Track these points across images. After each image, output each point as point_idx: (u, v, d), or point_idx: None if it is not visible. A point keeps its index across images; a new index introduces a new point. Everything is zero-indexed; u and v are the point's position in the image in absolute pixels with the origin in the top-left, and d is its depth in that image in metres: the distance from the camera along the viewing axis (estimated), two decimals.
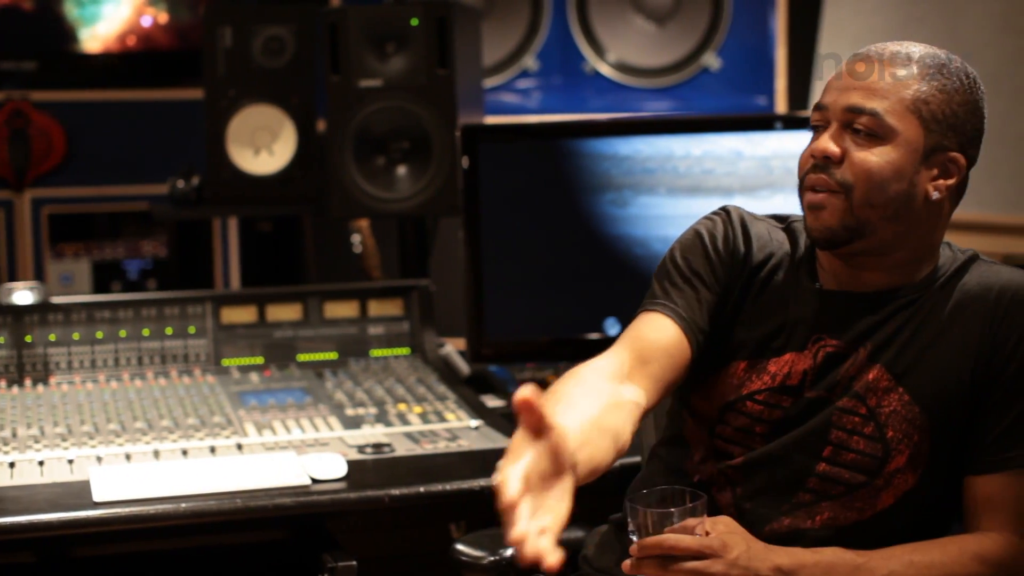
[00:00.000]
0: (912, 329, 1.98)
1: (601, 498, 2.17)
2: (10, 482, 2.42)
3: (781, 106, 4.40)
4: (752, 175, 3.03)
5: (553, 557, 1.43)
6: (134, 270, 5.25)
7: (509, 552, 2.28)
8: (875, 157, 1.92)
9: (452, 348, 3.16)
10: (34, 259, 5.11)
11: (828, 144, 1.94)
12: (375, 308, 3.12)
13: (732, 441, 2.04)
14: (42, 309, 2.95)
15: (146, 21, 5.18)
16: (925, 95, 1.93)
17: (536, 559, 1.42)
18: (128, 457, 2.55)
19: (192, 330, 3.01)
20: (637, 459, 2.39)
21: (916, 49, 1.97)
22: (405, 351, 3.12)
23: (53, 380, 2.91)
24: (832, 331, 2.00)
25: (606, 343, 2.05)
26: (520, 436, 1.51)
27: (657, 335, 2.00)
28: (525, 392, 1.47)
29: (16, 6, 5.14)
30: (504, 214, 3.07)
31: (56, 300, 2.96)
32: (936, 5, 4.30)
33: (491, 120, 3.83)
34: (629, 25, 4.41)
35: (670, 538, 1.84)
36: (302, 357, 3.06)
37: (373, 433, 2.70)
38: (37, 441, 2.61)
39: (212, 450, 2.58)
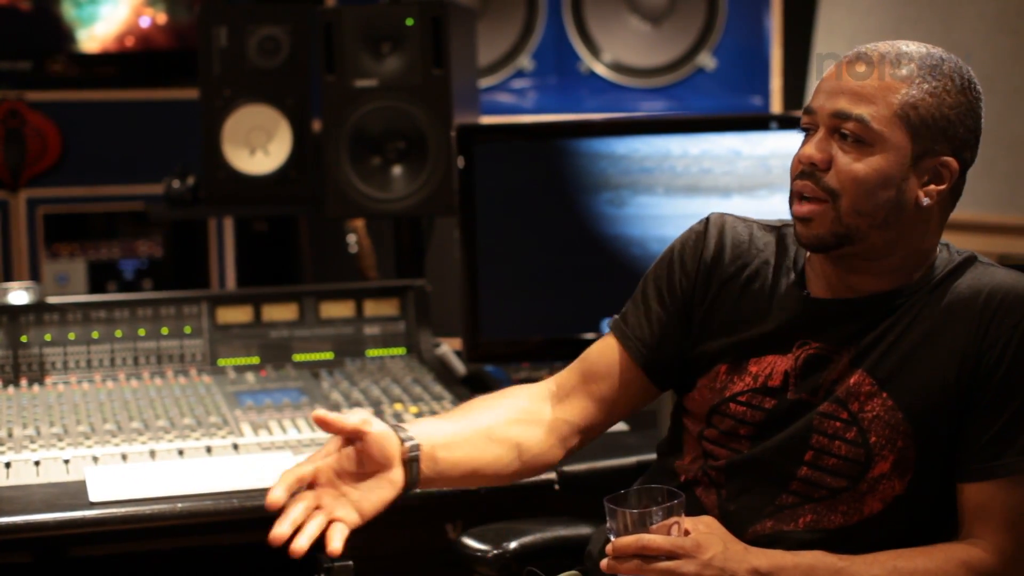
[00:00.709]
0: (898, 333, 1.95)
1: None
2: (6, 482, 2.42)
3: (776, 106, 4.41)
4: (751, 174, 3.02)
5: (335, 542, 1.84)
6: (130, 270, 5.25)
7: (514, 545, 2.31)
8: (861, 164, 1.90)
9: (448, 348, 3.16)
10: (30, 259, 5.11)
11: (813, 151, 1.92)
12: (371, 308, 3.12)
13: (718, 443, 2.04)
14: (38, 309, 2.95)
15: (144, 22, 5.18)
16: (915, 100, 1.89)
17: (295, 554, 1.82)
18: (124, 457, 2.54)
19: (188, 330, 3.01)
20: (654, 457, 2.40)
21: (908, 49, 1.93)
22: (401, 351, 3.12)
23: (49, 380, 2.90)
24: (816, 335, 1.99)
25: None
26: (332, 441, 1.91)
27: (602, 357, 2.14)
28: (317, 412, 1.88)
29: (13, 6, 5.14)
30: (500, 214, 3.07)
31: (52, 300, 2.96)
32: (931, 5, 4.30)
33: (486, 120, 3.83)
34: (624, 25, 4.42)
35: (644, 538, 1.84)
36: (298, 357, 3.06)
37: None
38: (33, 441, 2.60)
39: (208, 450, 2.58)
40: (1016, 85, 4.09)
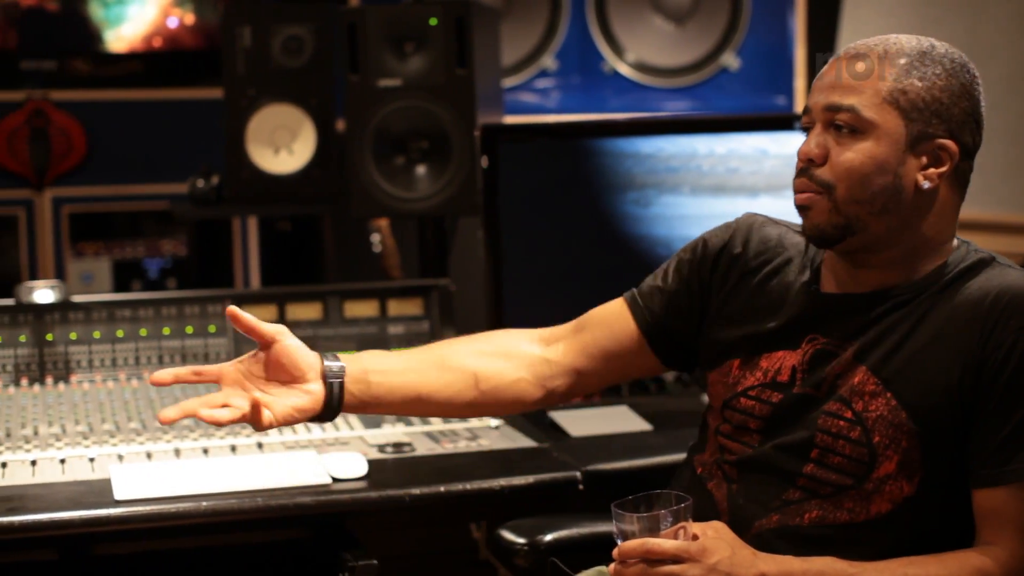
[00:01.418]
0: (904, 332, 1.94)
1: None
2: (32, 480, 2.43)
3: (800, 106, 4.39)
4: (778, 174, 3.02)
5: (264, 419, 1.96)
6: (154, 269, 5.27)
7: (549, 538, 2.34)
8: (853, 153, 1.92)
9: None
10: (55, 258, 5.14)
11: (808, 146, 1.96)
12: (395, 308, 3.12)
13: (731, 437, 2.07)
14: (63, 308, 2.96)
15: (172, 22, 5.20)
16: (903, 84, 1.91)
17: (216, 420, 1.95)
18: (149, 455, 2.55)
19: (212, 329, 3.02)
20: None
21: (895, 41, 1.96)
22: None
23: (74, 378, 2.91)
24: (823, 330, 2.00)
25: None
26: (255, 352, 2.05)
27: (602, 312, 2.23)
28: (231, 307, 2.02)
29: (41, 7, 5.16)
30: (524, 214, 3.07)
31: (77, 299, 2.97)
32: (956, 5, 4.28)
33: (510, 120, 3.83)
34: (648, 25, 4.41)
35: (649, 542, 1.85)
36: None
37: (394, 432, 2.71)
38: (58, 439, 2.62)
39: (233, 449, 2.59)
40: None
